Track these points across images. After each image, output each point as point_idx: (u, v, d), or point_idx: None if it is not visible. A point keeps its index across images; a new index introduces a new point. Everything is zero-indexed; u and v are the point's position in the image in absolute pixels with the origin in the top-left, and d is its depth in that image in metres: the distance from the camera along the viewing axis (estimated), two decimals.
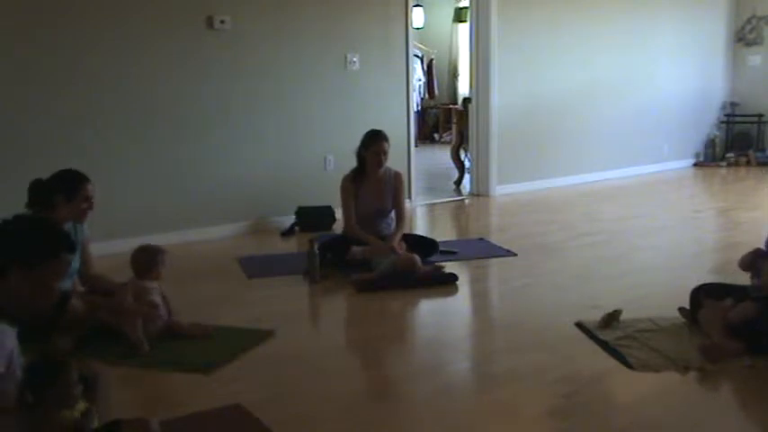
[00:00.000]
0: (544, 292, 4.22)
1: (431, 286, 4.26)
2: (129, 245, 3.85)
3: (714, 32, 9.36)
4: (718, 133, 9.59)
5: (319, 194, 5.89)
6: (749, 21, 9.45)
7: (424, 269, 4.38)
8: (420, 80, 11.78)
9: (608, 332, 3.37)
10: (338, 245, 4.66)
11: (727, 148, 9.57)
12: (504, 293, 4.44)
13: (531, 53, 7.51)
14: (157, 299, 3.45)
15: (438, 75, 12.38)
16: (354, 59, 6.24)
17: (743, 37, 9.53)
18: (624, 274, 4.51)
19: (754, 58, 9.48)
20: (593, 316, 3.55)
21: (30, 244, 1.87)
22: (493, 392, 2.89)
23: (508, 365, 3.12)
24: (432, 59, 12.17)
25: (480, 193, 7.49)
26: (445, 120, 12.44)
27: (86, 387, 2.19)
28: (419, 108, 11.69)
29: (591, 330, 3.42)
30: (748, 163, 9.33)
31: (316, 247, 4.36)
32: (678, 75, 8.96)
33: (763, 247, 3.39)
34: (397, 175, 4.86)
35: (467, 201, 7.39)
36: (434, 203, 7.14)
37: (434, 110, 12.94)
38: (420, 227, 6.22)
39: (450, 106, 11.69)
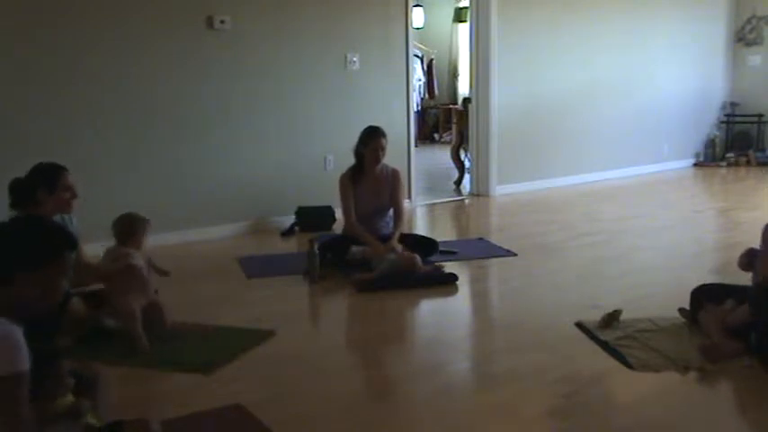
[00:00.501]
0: (544, 292, 4.22)
1: (431, 286, 4.26)
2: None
3: (714, 32, 9.36)
4: (718, 133, 9.59)
5: (319, 194, 5.89)
6: (749, 21, 9.45)
7: (424, 269, 4.38)
8: (420, 80, 11.77)
9: (608, 332, 3.37)
10: (338, 245, 4.66)
11: (727, 148, 9.57)
12: (504, 293, 4.44)
13: (531, 53, 7.51)
14: (139, 263, 3.42)
15: (438, 75, 12.38)
16: (354, 59, 6.24)
17: (743, 37, 9.53)
18: (624, 274, 4.51)
19: (754, 58, 9.48)
20: (593, 316, 3.55)
21: (31, 246, 1.87)
22: (493, 392, 2.89)
23: (508, 365, 3.12)
24: (432, 59, 12.17)
25: (480, 193, 7.49)
26: (445, 120, 12.44)
27: (86, 387, 2.19)
28: (419, 108, 11.69)
29: (591, 330, 3.42)
30: (748, 163, 9.33)
31: (316, 247, 4.36)
32: (678, 75, 8.96)
33: (757, 246, 3.38)
34: (395, 173, 4.87)
35: (467, 201, 7.39)
36: (434, 203, 7.14)
37: (434, 110, 12.94)
38: (420, 227, 6.22)
39: (451, 106, 11.69)
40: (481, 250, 5.13)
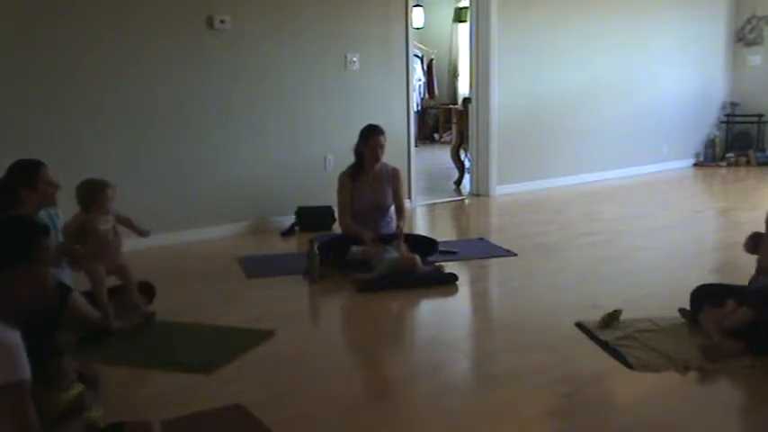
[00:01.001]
0: (544, 292, 4.22)
1: (431, 286, 4.26)
2: (128, 245, 3.87)
3: (714, 32, 9.36)
4: (718, 133, 9.59)
5: (319, 194, 5.89)
6: (749, 21, 9.45)
7: (424, 269, 4.38)
8: (420, 80, 11.77)
9: (608, 332, 3.37)
10: (338, 245, 4.66)
11: (727, 148, 9.57)
12: (504, 293, 4.44)
13: (531, 53, 7.51)
14: (103, 228, 3.46)
15: (438, 75, 12.37)
16: (354, 59, 6.24)
17: (743, 37, 9.53)
18: (624, 274, 4.51)
19: (754, 58, 9.48)
20: (593, 316, 3.55)
21: (4, 245, 1.87)
22: (493, 392, 2.89)
23: (508, 365, 3.12)
24: (432, 59, 12.17)
25: (480, 193, 7.49)
26: (445, 120, 12.44)
27: (86, 387, 2.19)
28: (419, 108, 11.68)
29: (591, 330, 3.42)
30: (748, 163, 9.33)
31: (316, 247, 4.36)
32: (678, 75, 8.96)
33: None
34: (395, 171, 4.88)
35: (467, 201, 7.39)
36: (434, 203, 7.14)
37: (434, 110, 12.94)
38: (420, 227, 6.21)
39: (451, 106, 11.69)
40: (481, 250, 5.13)
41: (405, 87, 6.63)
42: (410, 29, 6.62)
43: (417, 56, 11.12)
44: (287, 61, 5.88)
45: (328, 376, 3.05)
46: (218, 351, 3.26)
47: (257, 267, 4.73)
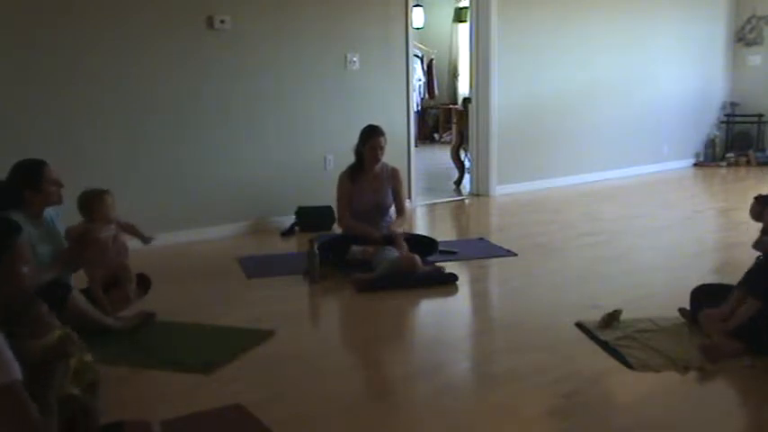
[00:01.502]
0: (544, 292, 4.22)
1: (431, 286, 4.26)
2: (129, 244, 3.86)
3: (714, 32, 9.36)
4: (718, 133, 9.59)
5: (319, 194, 5.89)
6: (749, 21, 9.45)
7: (423, 269, 4.38)
8: (420, 80, 11.77)
9: (608, 332, 3.37)
10: (338, 245, 4.66)
11: (727, 148, 9.57)
12: (504, 293, 4.44)
13: (531, 53, 7.51)
14: (102, 235, 3.52)
15: (438, 75, 12.37)
16: (354, 59, 6.24)
17: (743, 37, 9.53)
18: (624, 274, 4.51)
19: (754, 58, 9.48)
20: (593, 316, 3.55)
21: None
22: (493, 392, 2.89)
23: (508, 365, 3.12)
24: (432, 59, 12.17)
25: (480, 193, 7.49)
26: (445, 120, 12.44)
27: (86, 387, 2.19)
28: (419, 108, 11.69)
29: (591, 330, 3.42)
30: (748, 163, 9.33)
31: (316, 247, 4.36)
32: (678, 75, 8.96)
33: None
34: (395, 171, 4.88)
35: (467, 201, 7.39)
36: (434, 203, 7.14)
37: (434, 110, 12.94)
38: (420, 227, 6.21)
39: (451, 106, 11.69)
40: (481, 250, 5.13)
41: (405, 87, 6.63)
42: (410, 29, 6.62)
43: (417, 56, 11.12)
44: (287, 61, 5.88)
45: (328, 376, 3.05)
46: (218, 351, 3.26)
47: (257, 267, 4.73)
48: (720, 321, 3.20)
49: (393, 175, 4.86)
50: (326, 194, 5.73)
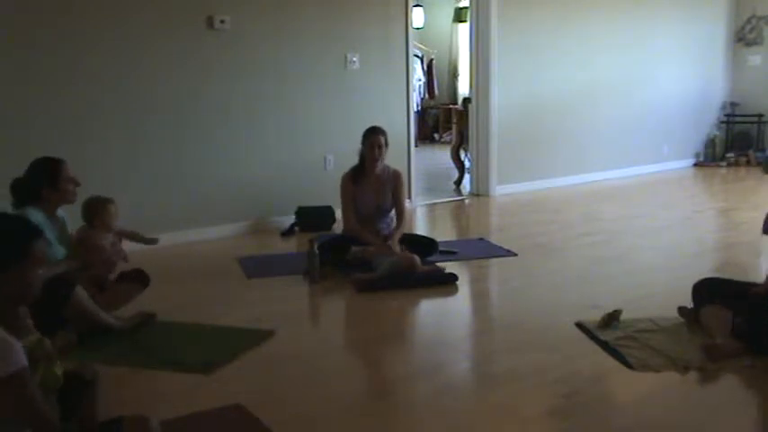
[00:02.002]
0: (544, 292, 4.22)
1: (431, 286, 4.26)
2: (128, 245, 3.86)
3: (714, 32, 9.36)
4: (718, 133, 9.59)
5: (319, 194, 5.89)
6: (749, 21, 9.45)
7: (423, 269, 4.38)
8: (420, 80, 11.77)
9: (608, 332, 3.37)
10: (338, 245, 4.66)
11: (727, 148, 9.57)
12: (504, 293, 4.44)
13: (531, 53, 7.51)
14: (102, 242, 3.58)
15: (438, 75, 12.37)
16: (354, 59, 6.24)
17: (743, 37, 9.53)
18: (624, 274, 4.51)
19: (754, 58, 9.48)
20: (593, 316, 3.55)
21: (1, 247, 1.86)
22: (493, 392, 2.89)
23: (508, 365, 3.12)
24: (432, 59, 12.17)
25: (480, 193, 7.49)
26: (445, 120, 12.44)
27: (86, 387, 2.19)
28: (419, 108, 11.69)
29: (591, 330, 3.41)
30: (748, 163, 9.33)
31: (316, 247, 4.36)
32: (678, 75, 8.96)
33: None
34: (397, 174, 4.86)
35: (467, 201, 7.39)
36: (434, 203, 7.14)
37: (434, 110, 12.94)
38: (420, 227, 6.22)
39: (451, 106, 11.70)
40: (481, 250, 5.13)
41: (405, 87, 6.63)
42: (410, 29, 6.62)
43: (417, 56, 11.12)
44: (287, 61, 5.88)
45: (328, 376, 3.05)
46: (218, 351, 3.26)
47: (257, 267, 4.73)
48: (723, 320, 3.20)
49: (395, 177, 4.84)
50: (326, 194, 5.74)
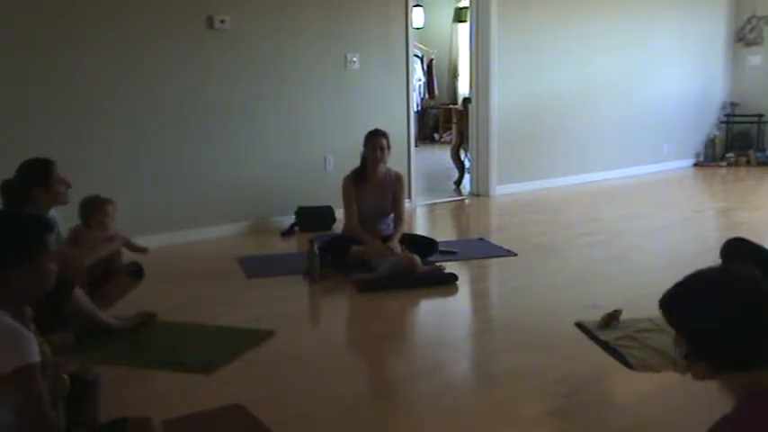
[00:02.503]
0: (544, 292, 4.22)
1: (431, 286, 4.26)
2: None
3: (714, 32, 9.35)
4: (718, 133, 9.59)
5: (319, 194, 5.89)
6: (749, 21, 9.45)
7: (423, 269, 4.38)
8: (420, 80, 11.77)
9: (608, 332, 3.38)
10: (338, 245, 4.66)
11: (727, 148, 9.56)
12: (504, 293, 4.44)
13: (531, 53, 7.50)
14: (97, 243, 3.57)
15: (438, 75, 12.37)
16: (354, 59, 6.24)
17: (743, 37, 9.53)
18: (624, 274, 4.51)
19: (754, 58, 9.48)
20: (593, 316, 3.55)
21: (14, 242, 1.88)
22: (493, 392, 2.89)
23: (508, 365, 3.12)
24: (432, 59, 12.17)
25: (480, 193, 7.49)
26: (445, 120, 12.44)
27: (88, 389, 2.19)
28: (419, 108, 11.68)
29: (591, 330, 3.42)
30: (748, 163, 9.33)
31: (316, 247, 4.36)
32: (678, 75, 8.96)
33: None
34: (398, 176, 4.85)
35: (467, 201, 7.39)
36: (434, 203, 7.14)
37: (434, 110, 12.94)
38: (420, 227, 6.22)
39: (451, 106, 11.69)
40: (481, 250, 5.13)
41: (405, 87, 6.63)
42: (410, 29, 6.62)
43: (417, 56, 11.11)
44: (287, 61, 5.88)
45: (328, 376, 3.05)
46: (218, 351, 3.26)
47: (257, 267, 4.73)
48: None
49: (396, 179, 4.83)
50: (326, 194, 5.74)
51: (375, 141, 4.71)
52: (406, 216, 5.06)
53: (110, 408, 2.37)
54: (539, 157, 7.75)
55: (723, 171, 9.11)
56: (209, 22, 5.46)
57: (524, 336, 3.47)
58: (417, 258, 4.37)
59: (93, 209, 3.63)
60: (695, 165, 9.45)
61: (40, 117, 4.89)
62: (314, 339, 3.64)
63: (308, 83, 6.02)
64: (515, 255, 4.96)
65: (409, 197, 6.60)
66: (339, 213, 5.51)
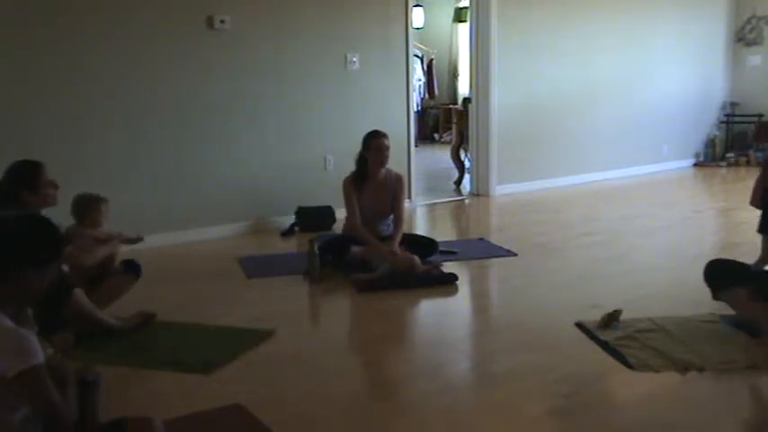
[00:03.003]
0: (544, 291, 4.22)
1: (431, 286, 4.26)
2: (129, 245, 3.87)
3: (714, 32, 9.35)
4: (718, 133, 9.59)
5: (319, 194, 5.89)
6: (749, 21, 9.44)
7: (423, 269, 4.38)
8: (420, 80, 11.77)
9: (608, 332, 3.37)
10: (338, 245, 4.66)
11: (727, 148, 9.56)
12: (504, 293, 4.44)
13: (531, 53, 7.50)
14: (90, 242, 3.57)
15: (438, 75, 12.37)
16: (354, 59, 6.24)
17: (743, 37, 9.53)
18: (624, 274, 4.51)
19: (754, 58, 9.48)
20: (593, 316, 3.55)
21: (43, 246, 1.94)
22: (493, 392, 2.89)
23: (508, 365, 3.12)
24: (432, 59, 12.17)
25: (480, 193, 7.49)
26: (445, 120, 12.44)
27: (89, 389, 2.19)
28: (419, 108, 11.68)
29: (591, 330, 3.42)
30: (748, 163, 9.32)
31: (316, 247, 4.36)
32: (678, 75, 8.96)
33: None
34: (399, 178, 4.84)
35: (467, 201, 7.39)
36: (434, 203, 7.14)
37: (434, 110, 12.94)
38: (420, 227, 6.22)
39: (451, 106, 11.69)
40: (481, 250, 5.13)
41: (405, 87, 6.63)
42: (410, 29, 6.62)
43: (417, 56, 11.11)
44: (287, 61, 5.88)
45: (328, 376, 3.05)
46: (218, 351, 3.26)
47: (257, 267, 4.73)
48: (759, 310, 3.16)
49: (397, 180, 4.81)
50: (326, 194, 5.74)
51: (378, 142, 4.69)
52: (405, 216, 5.06)
53: (110, 408, 2.37)
54: (539, 157, 7.75)
55: (723, 171, 9.11)
56: (209, 23, 5.46)
57: (524, 336, 3.47)
58: (417, 259, 4.37)
59: (88, 207, 3.61)
60: (695, 165, 9.45)
61: (40, 117, 4.89)
62: (314, 339, 3.64)
63: (308, 83, 6.02)
64: (515, 255, 4.96)
65: (409, 197, 6.61)
66: (339, 213, 5.51)
